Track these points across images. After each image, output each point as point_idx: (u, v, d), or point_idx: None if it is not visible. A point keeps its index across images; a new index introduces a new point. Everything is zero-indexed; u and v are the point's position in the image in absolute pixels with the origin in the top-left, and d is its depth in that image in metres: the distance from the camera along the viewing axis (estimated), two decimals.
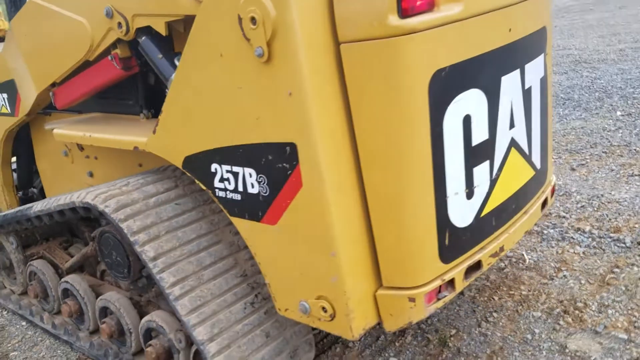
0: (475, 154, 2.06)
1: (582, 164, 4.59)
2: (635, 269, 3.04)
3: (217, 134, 2.07)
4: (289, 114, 1.82)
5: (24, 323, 3.36)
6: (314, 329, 2.36)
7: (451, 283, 2.09)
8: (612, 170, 4.39)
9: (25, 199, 3.95)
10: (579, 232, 3.50)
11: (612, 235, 3.41)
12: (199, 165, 2.18)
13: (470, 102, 1.98)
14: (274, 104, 1.84)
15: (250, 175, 2.03)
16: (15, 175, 3.94)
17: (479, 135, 2.05)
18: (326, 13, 1.77)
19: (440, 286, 2.06)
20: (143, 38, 2.25)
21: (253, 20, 1.74)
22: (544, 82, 2.43)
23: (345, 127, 1.88)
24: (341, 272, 1.93)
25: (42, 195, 3.81)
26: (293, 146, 1.85)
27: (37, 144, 3.59)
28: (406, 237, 1.95)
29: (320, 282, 2.00)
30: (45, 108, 3.17)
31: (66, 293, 2.99)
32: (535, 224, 3.67)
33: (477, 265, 2.18)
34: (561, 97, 6.57)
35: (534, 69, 2.31)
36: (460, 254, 2.10)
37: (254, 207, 2.07)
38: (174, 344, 2.41)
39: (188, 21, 2.07)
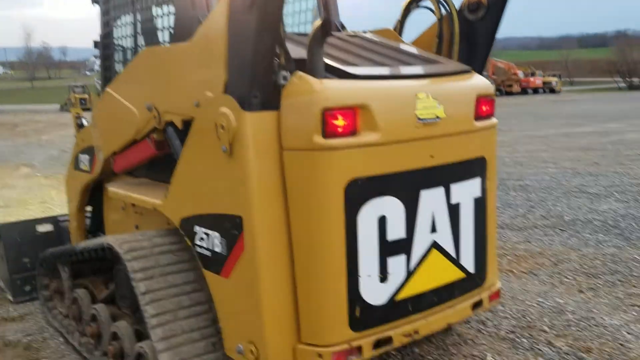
0: (391, 248, 2.56)
1: (592, 288, 4.74)
2: None
3: (200, 203, 2.75)
4: (239, 194, 2.47)
5: (61, 339, 4.11)
6: None
7: (359, 349, 2.54)
8: (618, 298, 4.51)
9: None
10: (549, 345, 3.71)
11: (579, 354, 3.59)
12: (187, 225, 2.86)
13: (385, 206, 2.52)
14: (232, 186, 2.51)
15: (217, 237, 2.67)
16: (88, 221, 4.85)
17: (395, 233, 2.57)
18: (275, 127, 2.44)
19: (350, 349, 2.52)
20: (169, 128, 3.04)
21: (222, 127, 2.45)
22: (480, 201, 2.90)
23: (282, 211, 2.48)
24: (264, 322, 2.47)
25: None
26: (240, 218, 2.49)
27: (105, 198, 4.49)
28: (319, 304, 2.47)
29: (251, 329, 2.55)
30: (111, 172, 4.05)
31: (93, 318, 3.71)
32: (513, 332, 3.93)
33: (388, 340, 2.61)
34: (608, 224, 6.65)
35: (464, 189, 2.81)
36: (371, 327, 2.56)
37: (216, 263, 2.69)
38: None
39: None
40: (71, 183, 4.61)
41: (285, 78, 2.47)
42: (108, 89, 3.58)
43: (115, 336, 3.43)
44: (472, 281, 2.93)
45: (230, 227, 2.55)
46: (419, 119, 2.59)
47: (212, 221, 2.67)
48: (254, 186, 2.42)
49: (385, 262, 2.56)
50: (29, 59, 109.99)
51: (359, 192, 2.44)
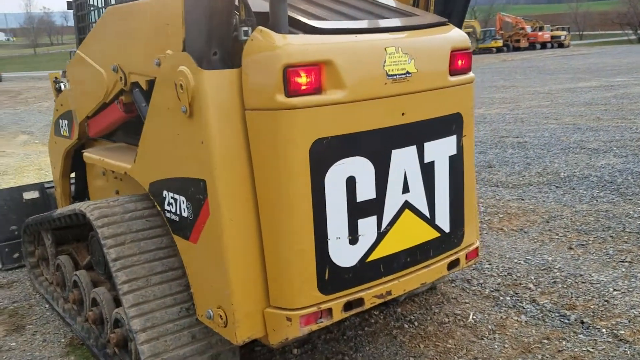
0: (361, 209, 2.49)
1: (582, 245, 4.68)
2: (564, 342, 3.20)
3: (167, 167, 2.69)
4: (202, 157, 2.39)
5: (47, 305, 4.13)
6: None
7: (329, 312, 2.50)
8: (608, 254, 4.45)
9: None
10: (533, 303, 3.68)
11: (562, 311, 3.56)
12: (156, 190, 2.80)
13: (354, 167, 2.44)
14: (193, 149, 2.43)
15: (183, 202, 2.61)
16: (73, 187, 4.81)
17: (365, 193, 2.49)
18: (237, 86, 2.35)
19: (319, 312, 2.48)
20: (135, 90, 2.95)
21: (181, 86, 2.36)
22: (455, 159, 2.81)
23: (247, 173, 2.41)
24: (231, 287, 2.43)
25: None
26: (204, 182, 2.42)
27: (88, 164, 4.43)
28: (286, 267, 2.42)
29: (219, 294, 2.51)
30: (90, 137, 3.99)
31: (75, 284, 3.70)
32: (497, 290, 3.90)
33: (360, 301, 2.57)
34: (605, 180, 6.55)
35: (439, 147, 2.71)
36: (341, 289, 2.51)
37: (185, 228, 2.64)
38: (128, 333, 2.99)
39: None
40: (53, 149, 4.56)
41: (246, 33, 2.36)
42: (78, 51, 3.48)
43: (94, 302, 3.42)
44: (448, 241, 2.87)
45: (195, 191, 2.49)
46: (388, 75, 2.48)
47: (178, 185, 2.61)
48: (216, 148, 2.34)
49: (355, 224, 2.49)
50: (30, 25, 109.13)
51: (325, 152, 2.35)
